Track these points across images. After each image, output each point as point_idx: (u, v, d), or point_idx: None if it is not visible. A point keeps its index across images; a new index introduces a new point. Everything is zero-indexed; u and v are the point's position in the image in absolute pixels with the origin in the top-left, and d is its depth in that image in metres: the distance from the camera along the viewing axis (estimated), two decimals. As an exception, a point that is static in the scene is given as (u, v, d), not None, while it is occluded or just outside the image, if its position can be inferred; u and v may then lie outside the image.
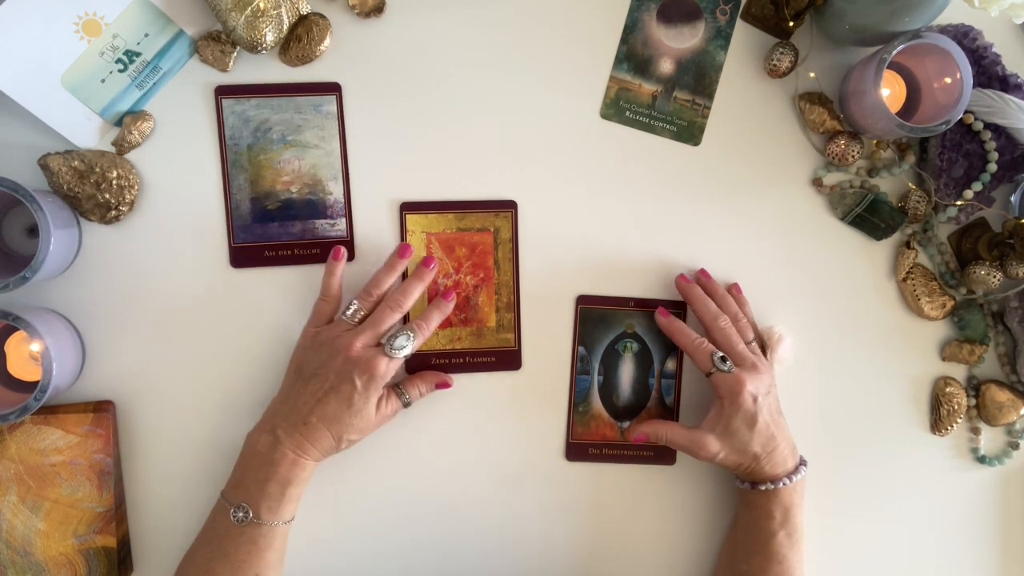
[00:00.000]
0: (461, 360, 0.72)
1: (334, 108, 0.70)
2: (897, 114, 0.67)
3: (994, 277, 0.71)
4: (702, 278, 0.72)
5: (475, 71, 0.71)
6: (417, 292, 0.68)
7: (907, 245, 0.74)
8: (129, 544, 0.69)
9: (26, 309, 0.63)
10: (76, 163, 0.66)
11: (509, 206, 0.72)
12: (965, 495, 0.76)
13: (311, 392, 0.63)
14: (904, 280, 0.74)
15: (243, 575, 0.61)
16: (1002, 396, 0.74)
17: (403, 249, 0.68)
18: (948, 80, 0.67)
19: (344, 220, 0.71)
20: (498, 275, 0.72)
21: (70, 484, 0.66)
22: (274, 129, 0.69)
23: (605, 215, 0.73)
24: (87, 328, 0.68)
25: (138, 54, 0.66)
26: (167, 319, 0.69)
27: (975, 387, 0.76)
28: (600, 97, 0.72)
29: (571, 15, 0.72)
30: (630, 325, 0.73)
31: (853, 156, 0.72)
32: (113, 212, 0.67)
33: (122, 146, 0.68)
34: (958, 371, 0.76)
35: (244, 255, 0.70)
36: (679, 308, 0.73)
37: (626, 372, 0.73)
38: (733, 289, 0.73)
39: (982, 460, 0.76)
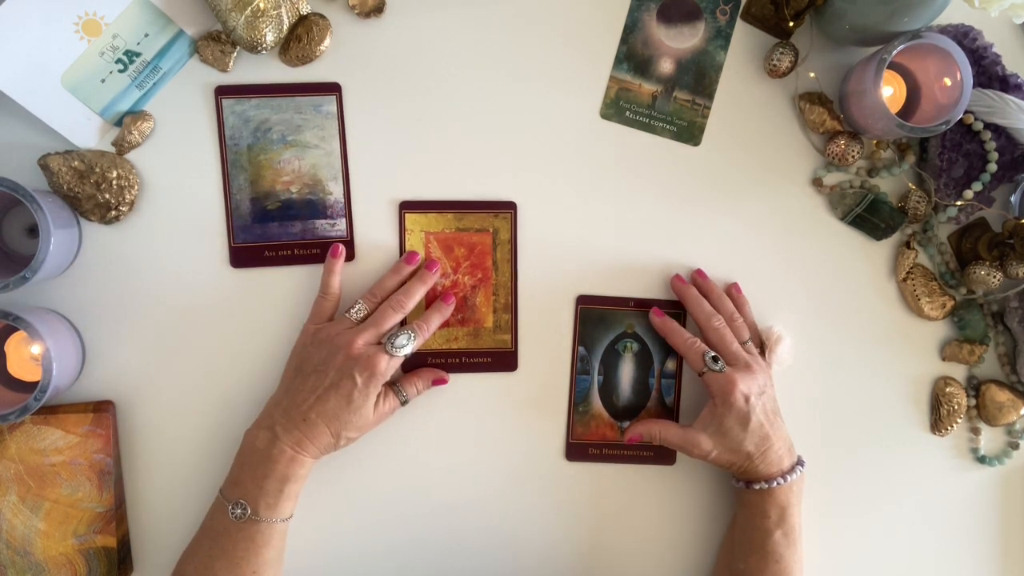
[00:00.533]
0: (457, 360, 0.72)
1: (334, 108, 0.70)
2: (897, 114, 0.67)
3: (994, 277, 0.71)
4: (698, 278, 0.72)
5: (475, 71, 0.71)
6: (420, 294, 0.68)
7: (907, 245, 0.74)
8: (129, 544, 0.69)
9: (26, 309, 0.63)
10: (76, 163, 0.66)
11: (508, 207, 0.72)
12: (965, 495, 0.76)
13: (311, 388, 0.63)
14: (904, 280, 0.74)
15: (241, 572, 0.61)
16: (1002, 396, 0.74)
17: (411, 256, 0.70)
18: (948, 80, 0.67)
19: (344, 220, 0.71)
20: (496, 276, 0.72)
21: (70, 484, 0.66)
22: (274, 129, 0.70)
23: (605, 215, 0.73)
24: (87, 328, 0.68)
25: (138, 54, 0.66)
26: (167, 319, 0.69)
27: (975, 387, 0.76)
28: (600, 97, 0.72)
29: (571, 15, 0.72)
30: (630, 325, 0.73)
31: (853, 156, 0.72)
32: (113, 212, 0.67)
33: (122, 146, 0.68)
34: (958, 371, 0.76)
35: (244, 255, 0.70)
36: (679, 308, 0.73)
37: (626, 372, 0.73)
38: (732, 289, 0.73)
39: (982, 460, 0.76)
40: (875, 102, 0.66)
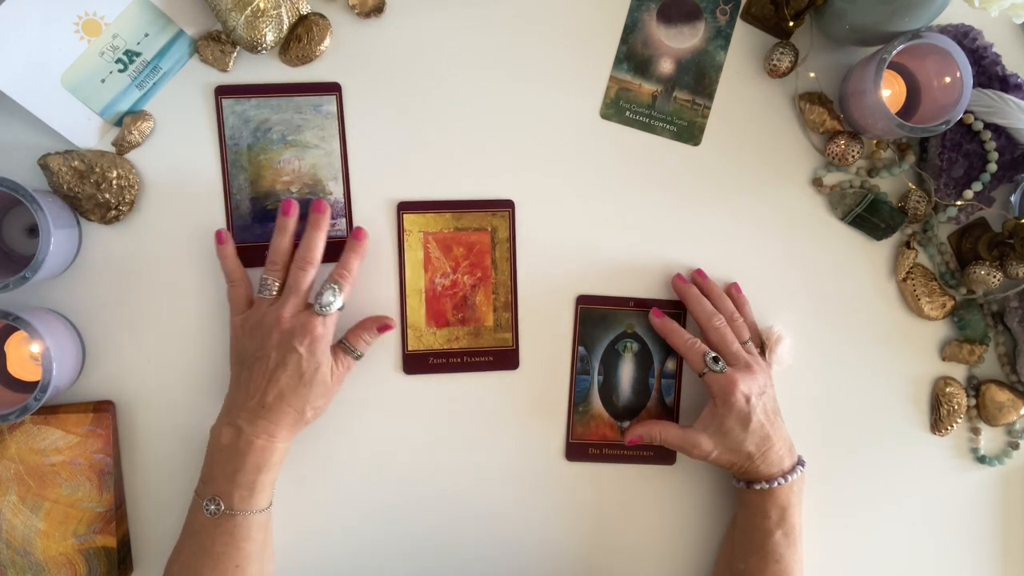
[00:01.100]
0: (459, 360, 0.72)
1: (334, 108, 0.70)
2: (897, 114, 0.67)
3: (994, 277, 0.71)
4: (698, 278, 0.72)
5: (475, 71, 0.71)
6: (321, 241, 0.66)
7: (907, 245, 0.74)
8: (129, 544, 0.69)
9: (26, 309, 0.63)
10: (76, 163, 0.66)
11: (506, 205, 0.72)
12: (965, 495, 0.76)
13: (259, 376, 0.63)
14: (904, 280, 0.74)
15: (224, 568, 0.61)
16: (1002, 396, 0.74)
17: (286, 206, 0.66)
18: (948, 80, 0.67)
19: (344, 220, 0.71)
20: (495, 275, 0.72)
21: (70, 484, 0.66)
22: (274, 129, 0.70)
23: (605, 215, 0.73)
24: (87, 328, 0.68)
25: (138, 54, 0.66)
26: (167, 319, 0.69)
27: (975, 387, 0.76)
28: (600, 97, 0.72)
29: (571, 15, 0.72)
30: (630, 325, 0.73)
31: (853, 156, 0.72)
32: (113, 212, 0.67)
33: (122, 146, 0.68)
34: (958, 371, 0.76)
35: (244, 255, 0.69)
36: (678, 308, 0.73)
37: (626, 372, 0.73)
38: (732, 289, 0.73)
39: (982, 460, 0.76)
40: (875, 102, 0.66)
